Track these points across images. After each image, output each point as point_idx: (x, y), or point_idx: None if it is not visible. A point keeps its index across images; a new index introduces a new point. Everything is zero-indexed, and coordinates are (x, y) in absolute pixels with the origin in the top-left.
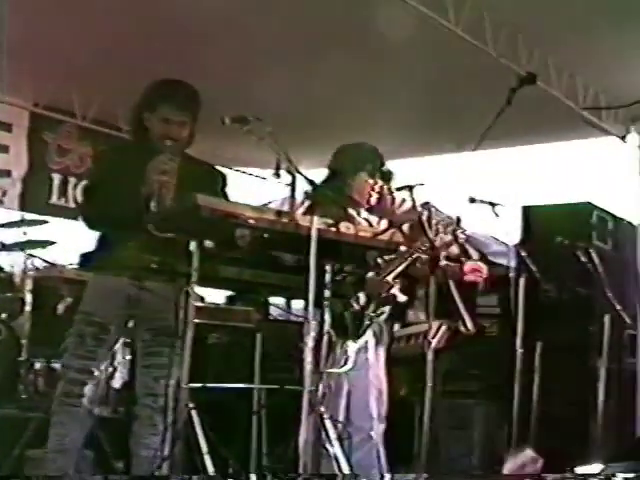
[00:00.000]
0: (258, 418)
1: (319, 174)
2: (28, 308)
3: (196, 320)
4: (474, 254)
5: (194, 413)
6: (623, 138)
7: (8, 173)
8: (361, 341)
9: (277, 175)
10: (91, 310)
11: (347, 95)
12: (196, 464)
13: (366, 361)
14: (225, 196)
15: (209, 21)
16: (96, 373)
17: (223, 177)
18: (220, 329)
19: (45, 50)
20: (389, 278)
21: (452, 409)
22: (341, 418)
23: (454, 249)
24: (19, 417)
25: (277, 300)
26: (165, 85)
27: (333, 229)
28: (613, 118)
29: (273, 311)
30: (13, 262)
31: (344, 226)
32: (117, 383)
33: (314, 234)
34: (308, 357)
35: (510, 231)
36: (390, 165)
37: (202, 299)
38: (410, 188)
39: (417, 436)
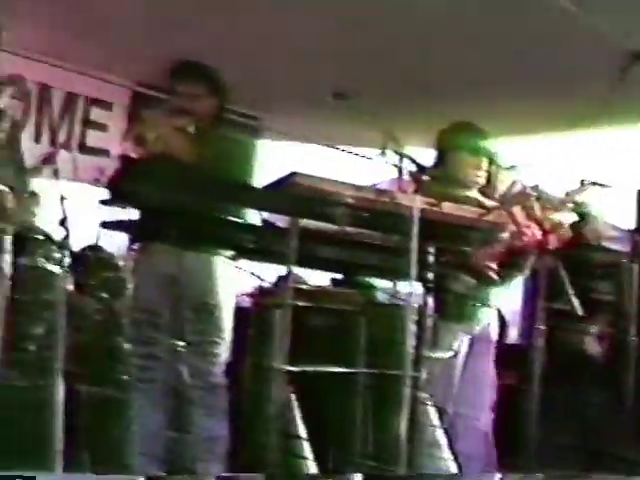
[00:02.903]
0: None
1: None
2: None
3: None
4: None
5: (293, 397)
6: None
7: (107, 153)
8: (467, 327)
9: (383, 154)
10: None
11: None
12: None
13: (473, 348)
14: None
15: None
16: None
17: None
18: (322, 312)
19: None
20: (493, 261)
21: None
22: (449, 405)
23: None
24: (119, 399)
25: (384, 284)
26: None
27: (436, 209)
28: None
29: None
30: (114, 241)
31: (447, 206)
32: None
33: (416, 214)
34: (410, 341)
35: (624, 215)
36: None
37: (304, 281)
38: (518, 169)
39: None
